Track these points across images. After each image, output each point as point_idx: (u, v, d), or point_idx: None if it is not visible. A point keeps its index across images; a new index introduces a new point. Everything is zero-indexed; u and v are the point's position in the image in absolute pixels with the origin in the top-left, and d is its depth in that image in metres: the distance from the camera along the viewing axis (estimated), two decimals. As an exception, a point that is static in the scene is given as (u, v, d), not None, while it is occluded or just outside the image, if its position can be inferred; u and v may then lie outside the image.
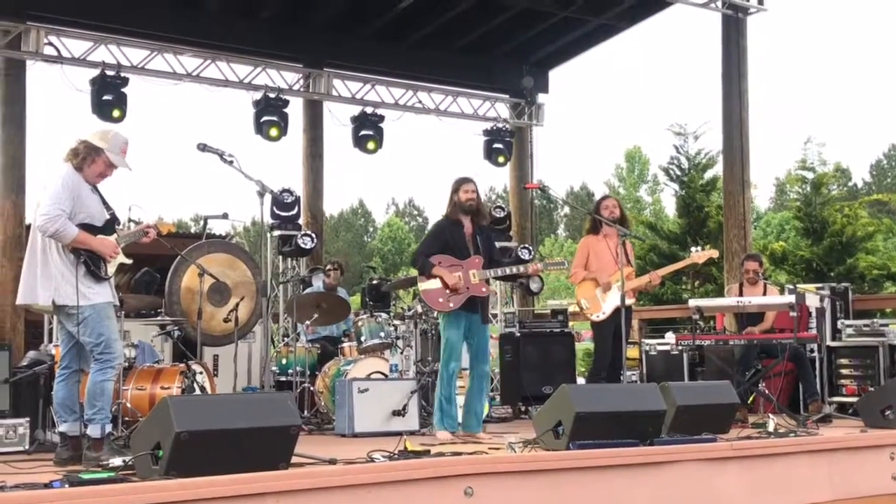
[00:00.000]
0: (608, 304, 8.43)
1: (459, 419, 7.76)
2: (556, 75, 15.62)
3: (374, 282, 11.49)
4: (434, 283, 7.58)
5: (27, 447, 6.85)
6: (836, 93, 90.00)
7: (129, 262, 6.44)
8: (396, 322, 9.56)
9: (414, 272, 8.15)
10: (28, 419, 7.02)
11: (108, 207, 6.32)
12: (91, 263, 6.08)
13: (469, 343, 7.73)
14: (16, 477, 5.02)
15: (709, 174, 24.10)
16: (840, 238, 20.65)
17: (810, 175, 23.57)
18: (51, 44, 11.46)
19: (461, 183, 7.79)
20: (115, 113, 11.59)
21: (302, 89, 13.44)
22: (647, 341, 11.15)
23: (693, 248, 8.92)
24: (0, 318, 10.93)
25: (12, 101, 11.33)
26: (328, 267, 11.11)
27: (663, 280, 21.49)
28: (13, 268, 11.08)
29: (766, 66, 67.99)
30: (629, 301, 8.26)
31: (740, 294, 9.44)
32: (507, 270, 7.81)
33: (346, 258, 11.60)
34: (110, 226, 6.29)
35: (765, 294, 9.38)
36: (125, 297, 7.67)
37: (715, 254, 8.86)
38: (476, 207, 7.76)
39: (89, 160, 6.17)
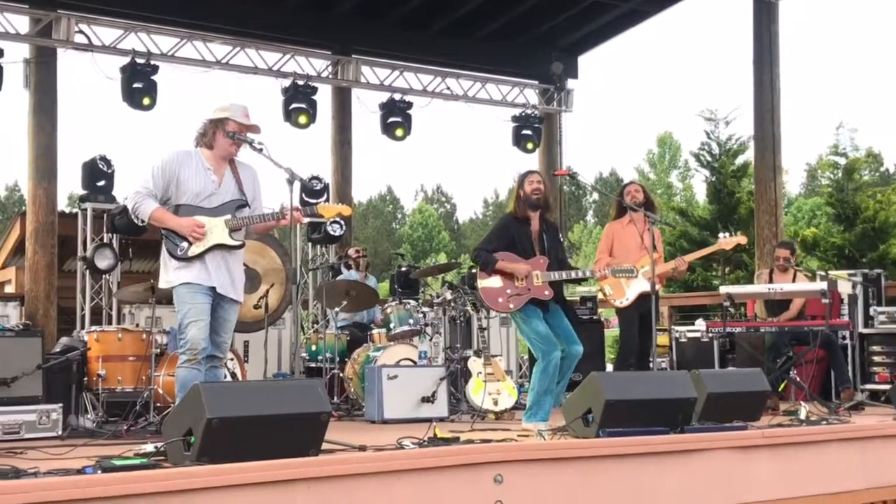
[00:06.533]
0: (632, 290, 8.33)
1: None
2: (586, 61, 15.63)
3: (403, 269, 11.50)
4: (494, 282, 7.21)
5: (60, 433, 6.91)
6: (868, 77, 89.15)
7: (234, 243, 6.23)
8: (425, 309, 9.54)
9: (443, 259, 8.07)
10: (61, 405, 7.08)
11: (241, 190, 6.31)
12: (170, 241, 6.12)
13: (553, 331, 7.26)
14: (49, 462, 5.06)
15: (740, 160, 24.00)
16: (872, 224, 20.50)
17: (842, 160, 23.43)
18: (81, 32, 11.52)
19: (526, 175, 7.43)
20: (146, 101, 11.67)
21: (330, 76, 13.45)
22: (678, 328, 11.10)
23: (721, 234, 8.82)
24: (33, 304, 11.04)
25: (43, 89, 11.42)
26: (357, 253, 11.10)
27: (693, 267, 21.51)
28: (46, 255, 11.21)
29: (798, 51, 67.46)
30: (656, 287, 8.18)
31: (770, 281, 9.38)
32: (573, 275, 7.44)
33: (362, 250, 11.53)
34: (230, 207, 6.25)
35: (794, 282, 9.31)
36: (155, 283, 7.70)
37: (743, 240, 8.75)
38: (543, 201, 7.37)
39: (219, 132, 6.23)
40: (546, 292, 7.21)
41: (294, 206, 6.29)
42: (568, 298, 12.40)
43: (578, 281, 8.00)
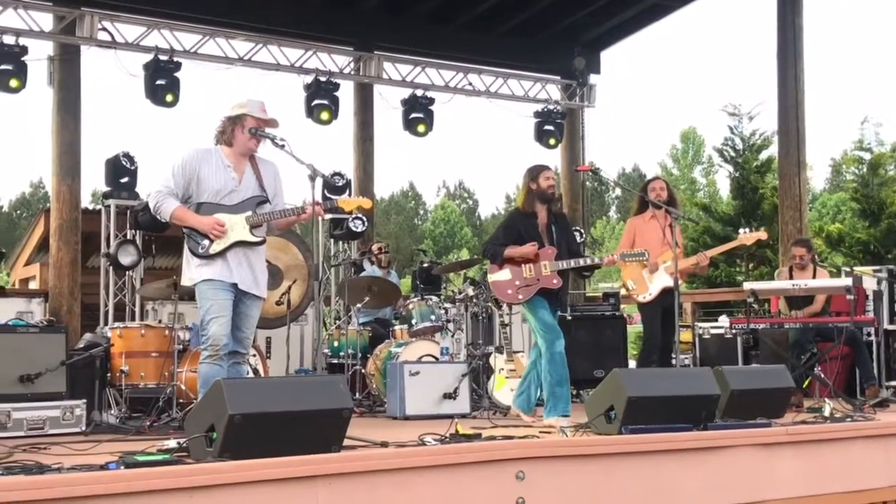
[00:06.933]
0: (655, 285, 8.35)
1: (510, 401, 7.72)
2: (608, 56, 15.55)
3: (425, 265, 11.49)
4: (504, 275, 7.39)
5: (84, 428, 6.94)
6: (893, 71, 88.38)
7: (255, 240, 6.27)
8: (447, 305, 9.55)
9: (465, 255, 8.09)
10: (84, 401, 7.10)
11: (261, 186, 6.34)
12: (191, 239, 6.19)
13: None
14: (72, 458, 5.09)
15: (763, 155, 23.83)
16: (898, 219, 20.31)
17: (867, 156, 23.27)
18: (105, 29, 11.56)
19: (540, 170, 7.53)
20: (169, 97, 11.71)
21: (352, 72, 13.45)
22: (701, 325, 11.03)
23: (742, 230, 8.81)
24: (57, 301, 11.09)
25: (67, 86, 11.48)
26: (378, 249, 11.10)
27: (716, 263, 21.40)
28: (69, 251, 11.26)
29: (823, 44, 67.04)
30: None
31: (790, 278, 9.33)
32: (581, 262, 7.55)
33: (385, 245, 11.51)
34: (251, 203, 6.29)
35: (814, 277, 9.26)
36: (177, 280, 7.73)
37: (764, 235, 8.73)
38: (554, 196, 7.55)
39: (238, 129, 6.29)
40: (555, 281, 7.34)
41: (315, 200, 6.31)
42: (589, 295, 12.43)
43: (590, 268, 8.12)
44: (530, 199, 7.51)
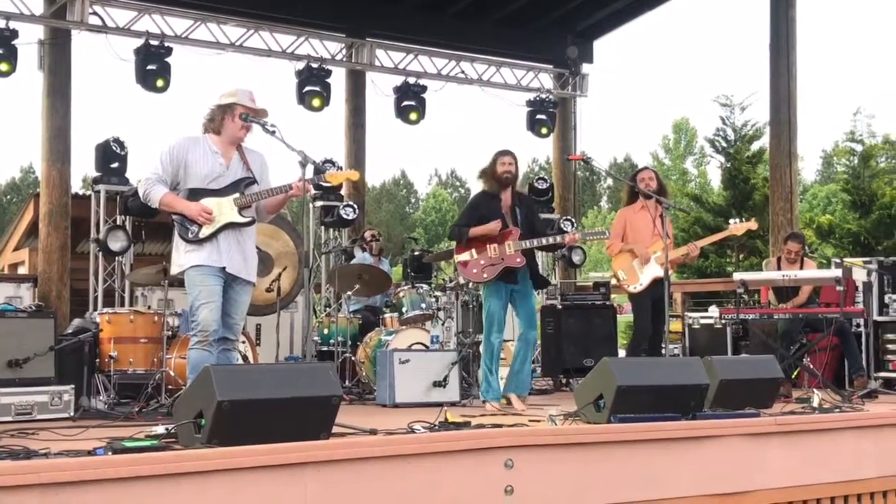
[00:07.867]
0: (645, 275, 8.37)
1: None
2: (601, 45, 15.54)
3: (416, 253, 11.48)
4: (469, 255, 7.61)
5: (72, 414, 6.93)
6: (886, 63, 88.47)
7: (243, 220, 6.27)
8: (438, 293, 9.54)
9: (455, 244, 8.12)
10: (73, 386, 7.10)
11: (249, 170, 6.35)
12: (180, 225, 6.20)
13: (516, 311, 7.77)
14: (60, 443, 5.08)
15: (755, 146, 23.88)
16: (889, 211, 20.40)
17: (859, 147, 23.32)
18: (95, 13, 11.48)
19: (499, 155, 7.77)
20: (159, 83, 11.66)
21: (345, 59, 13.41)
22: (691, 315, 11.05)
23: (732, 220, 8.85)
24: (46, 286, 11.05)
25: (57, 70, 11.40)
26: (370, 236, 11.08)
27: (706, 253, 21.40)
28: (59, 236, 11.21)
29: (815, 35, 67.03)
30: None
31: (778, 269, 9.36)
32: (543, 241, 7.77)
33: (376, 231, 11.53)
34: (239, 186, 6.30)
35: (801, 269, 9.28)
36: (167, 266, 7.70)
37: (754, 226, 8.76)
38: (512, 180, 7.74)
39: (228, 118, 6.30)
40: (518, 260, 7.57)
41: (303, 177, 6.28)
42: (580, 284, 12.43)
43: (553, 247, 8.40)
44: (490, 182, 7.76)
